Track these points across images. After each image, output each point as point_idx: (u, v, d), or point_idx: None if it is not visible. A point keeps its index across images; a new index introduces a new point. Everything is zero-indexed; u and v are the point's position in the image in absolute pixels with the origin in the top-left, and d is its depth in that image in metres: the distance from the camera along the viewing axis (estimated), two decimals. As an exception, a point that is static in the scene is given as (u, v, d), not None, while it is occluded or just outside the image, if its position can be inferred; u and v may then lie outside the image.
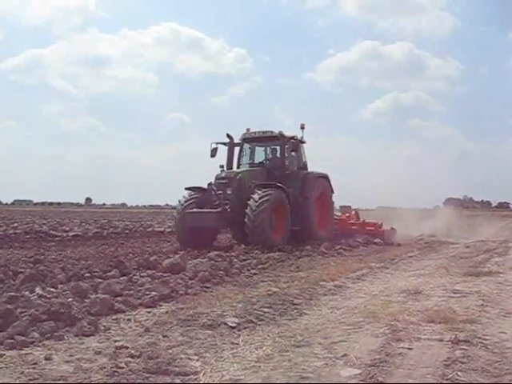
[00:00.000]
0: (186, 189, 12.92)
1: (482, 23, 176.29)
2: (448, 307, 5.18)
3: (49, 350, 3.69)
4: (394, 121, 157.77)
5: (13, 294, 4.94)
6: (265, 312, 4.93)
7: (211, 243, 12.48)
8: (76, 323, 4.23)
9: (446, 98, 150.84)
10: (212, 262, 8.21)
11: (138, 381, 3.09)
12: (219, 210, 11.93)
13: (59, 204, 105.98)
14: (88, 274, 6.80)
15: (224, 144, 13.86)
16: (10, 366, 3.30)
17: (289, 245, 11.85)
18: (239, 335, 4.17)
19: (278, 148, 13.85)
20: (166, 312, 4.95)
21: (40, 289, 5.52)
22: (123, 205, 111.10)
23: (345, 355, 3.61)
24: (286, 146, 13.56)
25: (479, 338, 4.04)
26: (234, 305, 5.18)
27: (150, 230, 19.71)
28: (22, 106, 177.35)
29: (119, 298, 5.28)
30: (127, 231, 18.49)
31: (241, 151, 14.15)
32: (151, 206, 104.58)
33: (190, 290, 6.04)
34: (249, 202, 11.74)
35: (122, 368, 3.26)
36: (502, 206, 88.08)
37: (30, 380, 3.09)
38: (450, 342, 3.90)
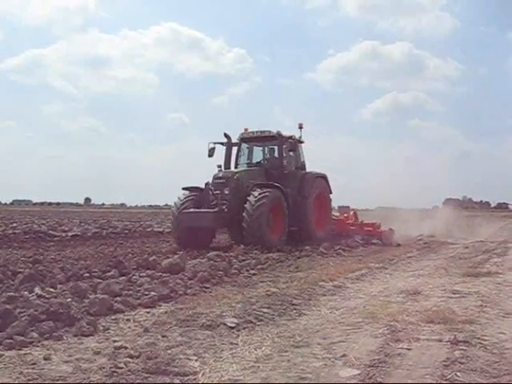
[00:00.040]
0: (183, 189, 12.87)
1: (482, 23, 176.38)
2: (447, 308, 5.18)
3: (48, 350, 3.69)
4: (394, 121, 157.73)
5: (12, 294, 4.93)
6: (264, 312, 4.92)
7: (208, 243, 12.44)
8: (75, 323, 4.24)
9: (445, 98, 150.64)
10: (211, 262, 8.20)
11: (137, 381, 3.09)
12: (216, 209, 11.87)
13: (58, 204, 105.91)
14: (87, 274, 6.80)
15: (222, 144, 13.80)
16: (9, 366, 3.30)
17: (287, 245, 11.86)
18: (238, 335, 4.16)
19: (275, 148, 13.78)
20: (165, 312, 4.95)
21: (39, 289, 5.52)
22: (122, 205, 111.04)
23: (344, 355, 3.61)
24: (284, 146, 13.53)
25: (478, 338, 4.04)
26: (233, 305, 5.18)
27: (149, 230, 19.69)
28: (22, 106, 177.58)
29: (118, 298, 5.28)
30: (126, 231, 18.46)
31: (238, 151, 14.12)
32: (150, 206, 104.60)
33: (189, 291, 6.03)
34: (246, 202, 11.70)
35: (121, 368, 3.26)
36: (501, 206, 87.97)
37: (29, 380, 3.08)
38: (449, 343, 3.90)
